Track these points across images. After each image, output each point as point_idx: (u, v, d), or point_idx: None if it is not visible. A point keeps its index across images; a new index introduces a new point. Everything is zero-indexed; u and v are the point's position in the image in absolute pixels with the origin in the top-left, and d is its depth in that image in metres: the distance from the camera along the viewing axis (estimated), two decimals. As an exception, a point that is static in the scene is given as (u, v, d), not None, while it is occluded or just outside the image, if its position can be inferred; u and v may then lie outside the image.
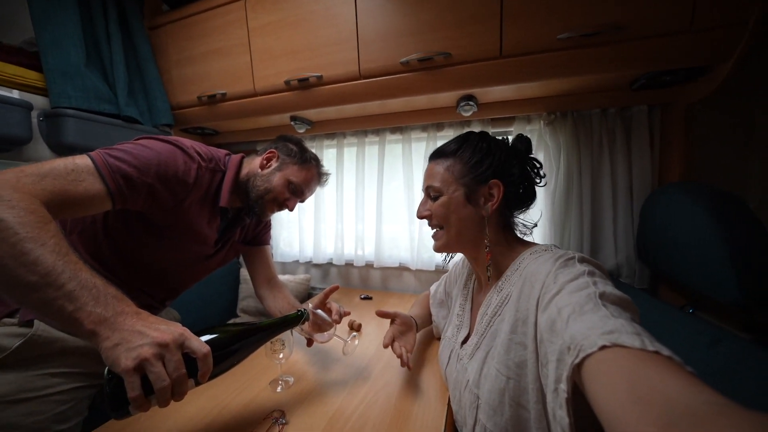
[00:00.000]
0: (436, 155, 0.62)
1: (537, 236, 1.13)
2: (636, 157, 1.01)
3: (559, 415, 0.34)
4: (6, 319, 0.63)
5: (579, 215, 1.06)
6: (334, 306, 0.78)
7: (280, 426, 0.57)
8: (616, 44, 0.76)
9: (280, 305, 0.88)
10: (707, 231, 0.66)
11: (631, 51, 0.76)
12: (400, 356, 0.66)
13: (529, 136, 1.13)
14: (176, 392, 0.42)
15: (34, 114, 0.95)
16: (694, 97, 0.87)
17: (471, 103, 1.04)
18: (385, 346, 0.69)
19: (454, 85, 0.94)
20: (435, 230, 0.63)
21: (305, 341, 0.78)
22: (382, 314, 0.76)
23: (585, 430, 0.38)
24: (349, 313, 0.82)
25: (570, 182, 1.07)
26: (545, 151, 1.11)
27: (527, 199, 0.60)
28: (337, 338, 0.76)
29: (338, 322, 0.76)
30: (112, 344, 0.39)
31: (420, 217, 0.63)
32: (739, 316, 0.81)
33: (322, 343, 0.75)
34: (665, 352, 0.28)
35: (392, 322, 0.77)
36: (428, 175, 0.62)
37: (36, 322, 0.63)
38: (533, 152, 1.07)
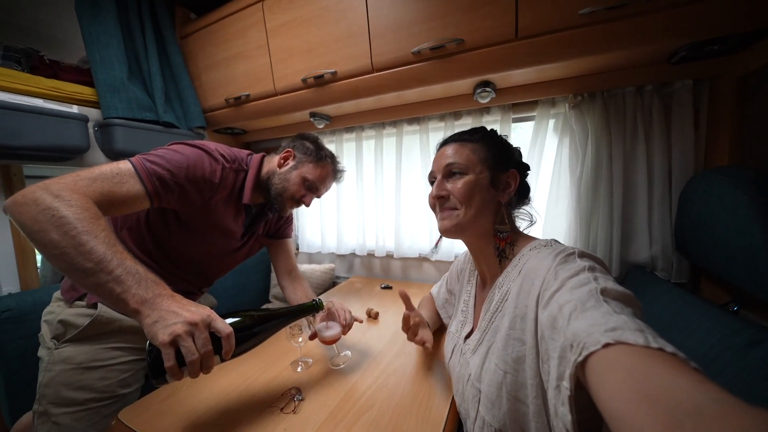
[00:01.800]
0: (459, 138, 0.61)
1: (561, 226, 1.09)
2: (677, 140, 0.91)
3: (562, 412, 0.34)
4: (78, 302, 0.76)
5: (609, 204, 0.99)
6: (348, 315, 0.80)
7: (297, 402, 0.63)
8: (648, 15, 0.68)
9: (299, 297, 0.95)
10: (750, 221, 0.59)
11: (667, 21, 0.68)
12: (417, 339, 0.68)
13: (553, 120, 1.09)
14: (204, 366, 0.49)
15: (90, 125, 1.10)
16: (748, 68, 0.75)
17: (488, 89, 0.99)
18: (408, 314, 0.70)
19: (468, 72, 0.91)
20: (445, 211, 0.59)
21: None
22: (405, 296, 0.72)
23: (585, 426, 0.38)
24: (361, 321, 0.85)
25: (599, 169, 0.99)
26: (570, 136, 1.04)
27: (527, 194, 0.63)
28: (335, 346, 0.77)
29: (344, 331, 0.77)
30: (152, 321, 0.47)
31: (437, 197, 0.59)
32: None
33: (322, 341, 0.75)
34: (669, 348, 0.27)
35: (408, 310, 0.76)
36: (450, 154, 0.59)
37: (99, 304, 0.75)
38: (558, 137, 1.03)
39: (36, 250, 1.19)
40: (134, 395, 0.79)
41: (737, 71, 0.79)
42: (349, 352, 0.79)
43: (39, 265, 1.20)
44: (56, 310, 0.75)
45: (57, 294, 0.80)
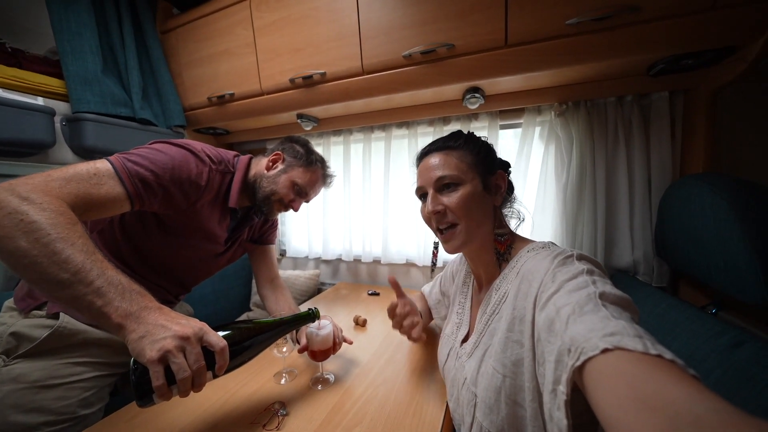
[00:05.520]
0: (443, 146, 0.59)
1: (548, 232, 1.10)
2: (655, 148, 0.95)
3: (557, 416, 0.34)
4: (35, 311, 0.69)
5: (593, 210, 1.01)
6: (340, 333, 0.77)
7: (281, 417, 0.59)
8: (631, 27, 0.71)
9: (281, 307, 0.91)
10: (730, 226, 0.61)
11: (648, 34, 0.71)
12: (405, 326, 0.64)
13: (539, 127, 1.11)
14: (196, 383, 0.45)
15: (57, 119, 1.02)
16: (720, 82, 0.80)
17: (477, 95, 1.01)
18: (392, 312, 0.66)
19: (458, 77, 0.92)
20: (445, 229, 0.56)
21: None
22: (394, 283, 0.70)
23: (581, 431, 0.37)
24: (351, 342, 0.81)
25: (583, 175, 1.02)
26: (556, 143, 1.06)
27: (512, 191, 0.64)
28: (320, 363, 0.73)
29: (335, 349, 0.73)
30: (138, 336, 0.42)
31: (433, 212, 0.56)
32: (766, 318, 0.75)
33: (312, 354, 0.70)
34: (667, 355, 0.27)
35: (397, 298, 0.72)
36: (438, 164, 0.56)
37: (61, 314, 0.68)
38: (544, 144, 1.06)
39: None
40: (97, 416, 0.71)
41: (710, 85, 0.83)
42: (332, 377, 0.73)
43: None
44: (8, 321, 0.68)
45: (9, 303, 0.71)
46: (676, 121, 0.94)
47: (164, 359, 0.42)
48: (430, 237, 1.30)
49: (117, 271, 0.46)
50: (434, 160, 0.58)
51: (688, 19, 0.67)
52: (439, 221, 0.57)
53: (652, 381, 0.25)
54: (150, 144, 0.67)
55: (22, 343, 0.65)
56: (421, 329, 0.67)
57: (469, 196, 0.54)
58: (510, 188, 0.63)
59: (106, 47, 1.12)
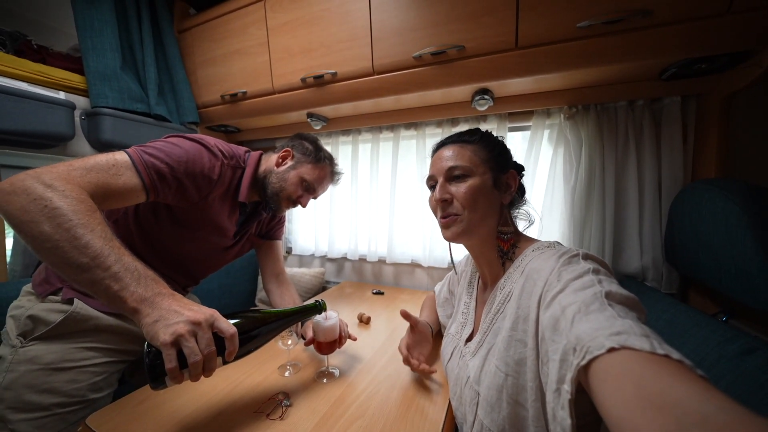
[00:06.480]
0: (458, 140, 0.60)
1: (555, 235, 1.10)
2: (666, 153, 0.94)
3: (561, 415, 0.33)
4: (51, 296, 0.71)
5: (601, 214, 1.00)
6: (345, 327, 0.79)
7: (284, 407, 0.60)
8: (643, 31, 0.71)
9: (286, 302, 0.92)
10: (742, 231, 0.60)
11: (660, 38, 0.71)
12: (413, 365, 0.66)
13: (548, 130, 1.11)
14: (206, 368, 0.46)
15: (76, 113, 1.05)
16: (734, 87, 0.79)
17: (486, 97, 1.01)
18: (405, 358, 0.68)
19: (468, 79, 0.92)
20: (448, 217, 0.57)
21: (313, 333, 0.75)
22: (406, 315, 0.72)
23: (584, 431, 0.37)
24: (355, 339, 0.83)
25: (592, 179, 1.01)
26: (565, 146, 1.06)
27: (523, 194, 0.64)
28: (326, 357, 0.74)
29: (340, 343, 0.75)
30: (152, 320, 0.44)
31: (440, 201, 0.56)
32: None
33: (318, 347, 0.72)
34: (675, 355, 0.27)
35: (411, 329, 0.74)
36: (451, 156, 0.57)
37: (75, 300, 0.70)
38: (553, 147, 1.06)
39: (8, 242, 1.11)
40: (105, 401, 0.73)
41: (723, 90, 0.82)
42: (337, 372, 0.74)
43: (9, 258, 1.12)
44: (26, 304, 0.70)
45: (27, 287, 0.74)
46: (688, 125, 0.93)
47: (177, 343, 0.43)
48: (435, 237, 1.30)
49: (133, 257, 0.48)
50: (448, 151, 0.58)
51: (703, 23, 0.67)
52: (443, 210, 0.57)
53: (659, 380, 0.25)
54: (165, 138, 0.69)
55: (38, 326, 0.67)
56: (427, 365, 0.69)
57: (477, 189, 0.55)
58: (521, 190, 0.63)
59: (126, 45, 1.16)
